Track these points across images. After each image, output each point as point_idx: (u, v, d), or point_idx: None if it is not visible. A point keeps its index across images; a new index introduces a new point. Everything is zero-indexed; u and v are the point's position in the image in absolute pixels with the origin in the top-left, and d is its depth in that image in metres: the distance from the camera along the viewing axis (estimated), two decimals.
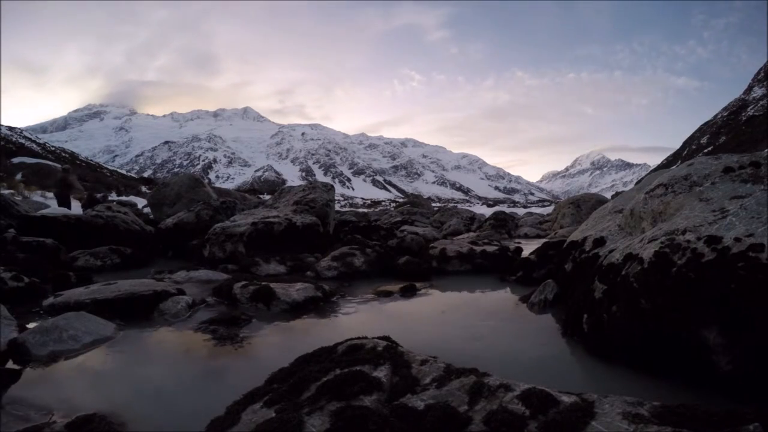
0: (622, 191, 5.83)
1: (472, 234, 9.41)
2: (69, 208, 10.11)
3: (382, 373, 1.50)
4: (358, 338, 1.85)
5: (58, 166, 18.79)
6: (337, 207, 27.21)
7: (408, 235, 6.30)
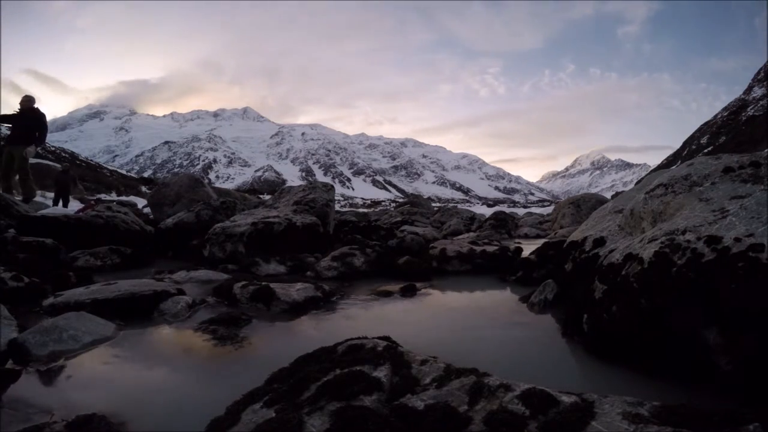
0: (622, 191, 5.83)
1: (472, 234, 9.41)
2: (65, 206, 10.17)
3: (382, 373, 1.50)
4: (358, 338, 1.85)
5: (58, 166, 18.80)
6: (337, 207, 27.23)
7: (408, 235, 6.29)
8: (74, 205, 12.86)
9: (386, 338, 1.86)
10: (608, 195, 14.96)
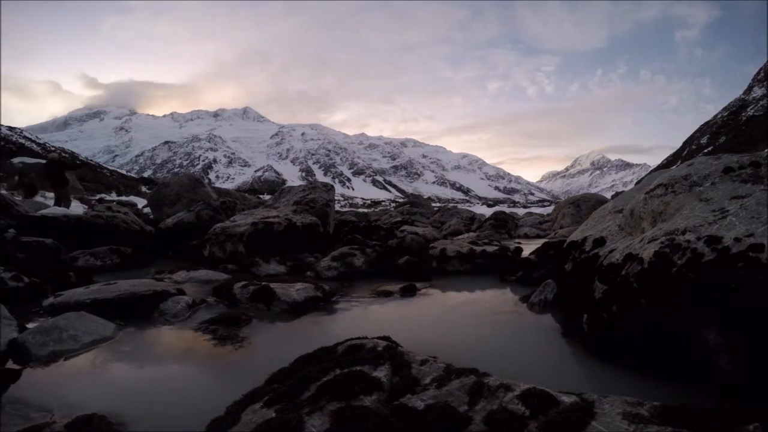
0: (622, 191, 5.83)
1: (472, 234, 9.41)
2: (67, 207, 10.11)
3: (382, 373, 1.50)
4: (358, 338, 1.85)
5: None
6: (337, 207, 27.22)
7: (408, 235, 6.29)
8: (74, 206, 12.84)
9: (386, 338, 1.86)
10: (608, 195, 14.96)
